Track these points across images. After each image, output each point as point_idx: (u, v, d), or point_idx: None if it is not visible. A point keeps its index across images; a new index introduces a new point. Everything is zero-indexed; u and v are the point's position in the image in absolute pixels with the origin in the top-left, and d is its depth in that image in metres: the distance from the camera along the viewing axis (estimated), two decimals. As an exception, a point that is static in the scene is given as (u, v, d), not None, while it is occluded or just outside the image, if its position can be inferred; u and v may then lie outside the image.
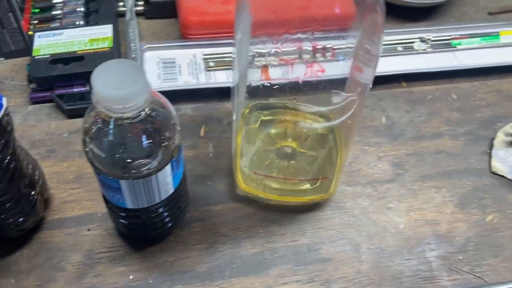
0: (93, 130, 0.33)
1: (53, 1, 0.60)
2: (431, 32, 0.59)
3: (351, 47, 0.34)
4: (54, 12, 0.59)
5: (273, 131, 0.43)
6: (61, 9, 0.60)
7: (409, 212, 0.45)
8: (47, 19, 0.59)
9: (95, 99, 0.31)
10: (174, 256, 0.42)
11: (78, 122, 0.50)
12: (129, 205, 0.37)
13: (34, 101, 0.52)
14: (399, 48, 0.57)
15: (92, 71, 0.31)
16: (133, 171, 0.34)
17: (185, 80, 0.53)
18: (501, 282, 0.41)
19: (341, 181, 0.46)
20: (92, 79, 0.31)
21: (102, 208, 0.43)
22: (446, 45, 0.58)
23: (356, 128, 0.40)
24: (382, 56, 0.34)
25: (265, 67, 0.36)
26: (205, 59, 0.55)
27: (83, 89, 0.52)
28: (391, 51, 0.57)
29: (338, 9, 0.32)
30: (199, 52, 0.55)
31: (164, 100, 0.35)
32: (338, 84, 0.37)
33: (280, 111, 0.42)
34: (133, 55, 0.55)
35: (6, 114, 0.35)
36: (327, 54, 0.35)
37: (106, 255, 0.41)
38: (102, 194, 0.39)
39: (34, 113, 0.51)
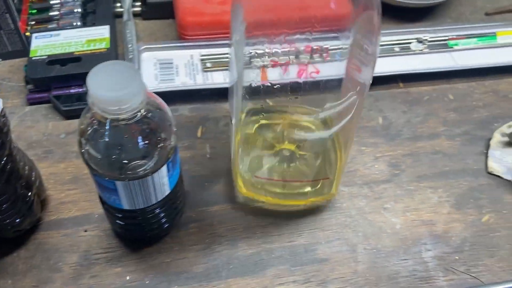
0: (89, 131, 0.33)
1: (51, 2, 0.60)
2: (428, 32, 0.59)
3: (346, 47, 0.34)
4: (51, 13, 0.59)
5: (270, 135, 0.43)
6: (59, 10, 0.60)
7: (406, 213, 0.45)
8: (44, 20, 0.59)
9: (90, 101, 0.32)
10: (171, 256, 0.42)
11: (75, 123, 0.49)
12: (126, 206, 0.37)
13: (31, 102, 0.52)
14: (396, 48, 0.57)
15: (89, 72, 0.31)
16: (129, 172, 0.34)
17: (182, 81, 0.53)
18: (497, 282, 0.41)
19: (338, 181, 0.46)
20: (87, 81, 0.31)
21: (98, 209, 0.43)
22: (443, 46, 0.58)
23: (355, 129, 0.40)
24: (379, 57, 0.34)
25: (263, 68, 0.36)
26: (202, 60, 0.55)
27: (80, 90, 0.52)
28: (388, 51, 0.57)
29: (333, 6, 0.32)
30: (196, 53, 0.56)
31: (160, 101, 0.35)
32: (335, 84, 0.37)
33: (276, 116, 0.42)
34: (130, 56, 0.55)
35: (3, 115, 0.35)
36: (324, 54, 0.35)
37: (103, 256, 0.41)
38: (99, 195, 0.39)
39: (31, 114, 0.51)
